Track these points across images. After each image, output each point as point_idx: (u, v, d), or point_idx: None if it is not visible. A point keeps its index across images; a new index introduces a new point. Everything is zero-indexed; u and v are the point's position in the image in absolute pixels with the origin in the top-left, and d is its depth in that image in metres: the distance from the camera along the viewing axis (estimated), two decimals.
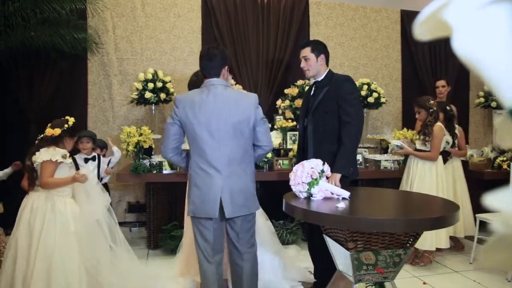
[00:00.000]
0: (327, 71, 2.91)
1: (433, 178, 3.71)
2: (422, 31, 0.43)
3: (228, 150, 2.32)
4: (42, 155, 2.63)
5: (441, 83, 4.85)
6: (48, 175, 2.64)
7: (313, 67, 2.88)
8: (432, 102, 3.76)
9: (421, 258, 3.83)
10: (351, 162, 2.71)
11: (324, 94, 2.80)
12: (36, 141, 2.79)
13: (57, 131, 2.71)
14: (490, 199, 0.41)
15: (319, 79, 2.91)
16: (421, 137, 3.71)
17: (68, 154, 2.75)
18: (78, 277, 2.61)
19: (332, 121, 2.77)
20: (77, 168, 3.81)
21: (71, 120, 2.81)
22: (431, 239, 3.67)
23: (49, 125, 2.80)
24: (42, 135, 2.77)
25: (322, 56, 2.88)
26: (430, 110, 3.68)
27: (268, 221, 3.26)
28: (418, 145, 3.75)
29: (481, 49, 0.38)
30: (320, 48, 2.90)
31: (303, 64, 2.93)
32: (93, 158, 3.90)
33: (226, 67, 2.44)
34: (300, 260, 3.77)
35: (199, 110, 2.31)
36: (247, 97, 2.43)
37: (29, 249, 2.55)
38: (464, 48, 0.39)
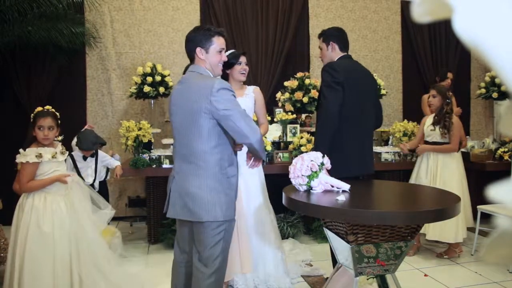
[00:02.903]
0: (339, 57, 2.87)
1: (454, 170, 3.72)
2: (421, 13, 0.40)
3: (182, 146, 2.15)
4: (19, 158, 2.46)
5: (451, 75, 4.91)
6: (27, 179, 2.44)
7: (325, 56, 2.90)
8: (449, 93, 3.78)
9: (447, 251, 3.81)
10: (319, 146, 2.59)
11: None
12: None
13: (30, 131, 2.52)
14: (494, 191, 0.39)
15: None
16: (441, 130, 3.67)
17: (42, 153, 2.46)
18: (53, 283, 2.43)
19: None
20: (75, 166, 3.81)
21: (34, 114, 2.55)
22: (456, 231, 3.65)
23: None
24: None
25: (332, 43, 2.88)
26: (447, 100, 3.68)
27: (271, 214, 3.22)
28: (436, 137, 3.72)
29: (484, 30, 0.35)
30: (329, 36, 2.91)
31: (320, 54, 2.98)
32: (92, 154, 3.88)
33: (198, 49, 2.13)
34: (296, 254, 3.73)
35: (172, 101, 2.20)
36: (204, 80, 2.07)
37: (14, 247, 2.46)
38: (466, 30, 0.36)
